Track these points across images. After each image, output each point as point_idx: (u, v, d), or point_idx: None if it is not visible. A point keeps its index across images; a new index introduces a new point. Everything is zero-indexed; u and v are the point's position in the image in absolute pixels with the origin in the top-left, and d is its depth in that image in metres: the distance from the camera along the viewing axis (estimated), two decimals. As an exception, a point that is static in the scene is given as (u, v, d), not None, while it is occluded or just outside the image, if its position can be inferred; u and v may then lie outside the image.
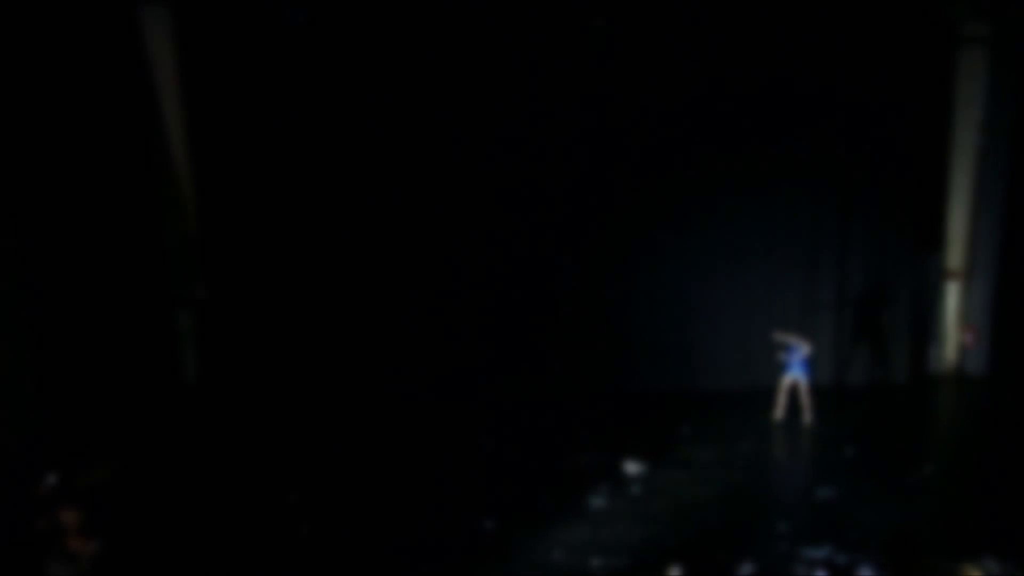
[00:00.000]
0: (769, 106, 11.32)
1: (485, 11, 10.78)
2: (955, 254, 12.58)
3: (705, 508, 8.56)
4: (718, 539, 7.90)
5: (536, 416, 11.23)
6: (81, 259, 9.93)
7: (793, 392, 10.78)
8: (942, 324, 12.72)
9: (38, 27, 9.27)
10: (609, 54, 10.87)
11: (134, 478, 9.06)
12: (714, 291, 11.89)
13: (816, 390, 11.03)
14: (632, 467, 9.45)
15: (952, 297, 12.67)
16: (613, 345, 11.94)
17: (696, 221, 11.74)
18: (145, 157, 11.09)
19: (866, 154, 11.61)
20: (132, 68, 10.66)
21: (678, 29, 11.11)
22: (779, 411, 10.83)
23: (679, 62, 11.19)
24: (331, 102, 11.02)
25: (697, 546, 7.77)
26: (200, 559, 7.73)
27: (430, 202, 11.40)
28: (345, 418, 11.29)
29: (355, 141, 11.17)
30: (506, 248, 11.57)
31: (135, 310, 10.74)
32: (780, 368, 10.78)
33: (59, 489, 7.55)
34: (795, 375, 10.69)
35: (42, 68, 9.33)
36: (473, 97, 11.15)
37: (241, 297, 11.45)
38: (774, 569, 6.99)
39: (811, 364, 10.75)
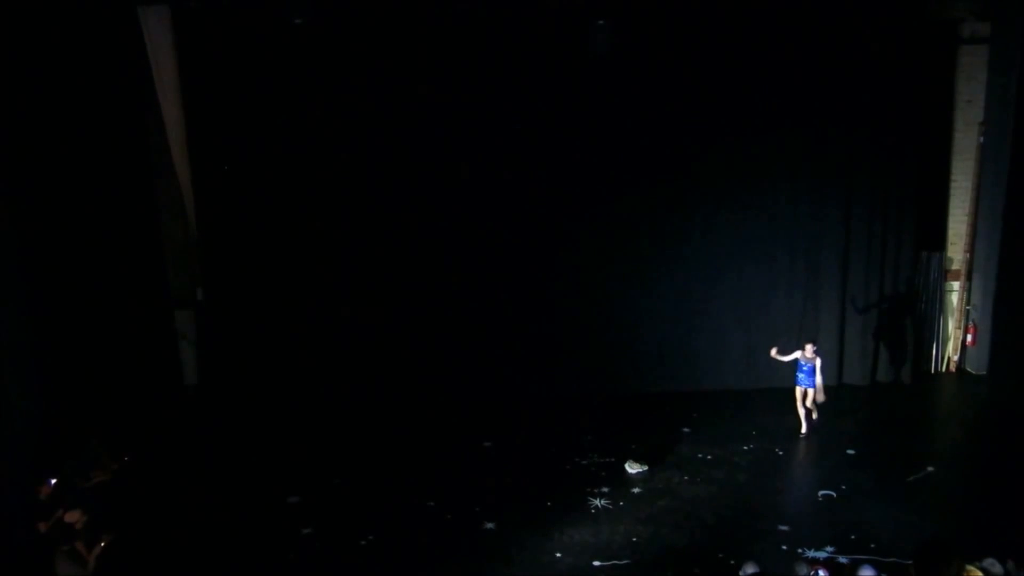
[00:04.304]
0: (769, 107, 11.31)
1: (486, 11, 10.76)
2: (955, 254, 12.60)
3: (706, 508, 8.56)
4: (719, 539, 7.90)
5: (537, 417, 11.22)
6: (81, 260, 9.93)
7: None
8: (943, 323, 12.74)
9: (38, 27, 9.26)
10: (610, 54, 10.85)
11: (135, 479, 9.06)
12: (716, 292, 11.87)
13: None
14: (633, 468, 9.46)
15: (953, 296, 12.70)
16: (614, 346, 11.91)
17: (698, 222, 11.72)
18: (145, 157, 11.08)
19: (867, 155, 11.60)
20: (132, 67, 10.65)
21: (679, 31, 11.09)
22: (803, 425, 10.43)
23: (680, 64, 11.17)
24: (331, 103, 10.99)
25: (698, 546, 7.79)
26: (201, 559, 7.74)
27: (432, 203, 11.37)
28: (346, 418, 11.28)
29: (355, 141, 11.14)
30: (508, 249, 11.55)
31: (135, 311, 10.73)
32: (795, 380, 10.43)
33: (61, 490, 7.56)
34: (804, 385, 10.32)
35: (42, 68, 9.33)
36: (474, 98, 11.12)
37: (241, 298, 11.43)
38: (775, 569, 6.98)
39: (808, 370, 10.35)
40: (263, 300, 11.41)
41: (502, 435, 10.60)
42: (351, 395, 11.56)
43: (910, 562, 4.62)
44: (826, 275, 11.92)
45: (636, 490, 9.02)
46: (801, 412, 10.38)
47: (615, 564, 7.50)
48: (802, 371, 10.27)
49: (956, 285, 12.67)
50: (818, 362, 10.18)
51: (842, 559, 7.37)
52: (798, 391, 10.37)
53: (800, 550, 7.59)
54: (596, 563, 7.53)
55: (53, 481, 7.84)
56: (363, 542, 8.00)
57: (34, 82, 9.18)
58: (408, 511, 8.62)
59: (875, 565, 6.62)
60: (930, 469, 9.35)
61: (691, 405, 11.44)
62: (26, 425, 8.44)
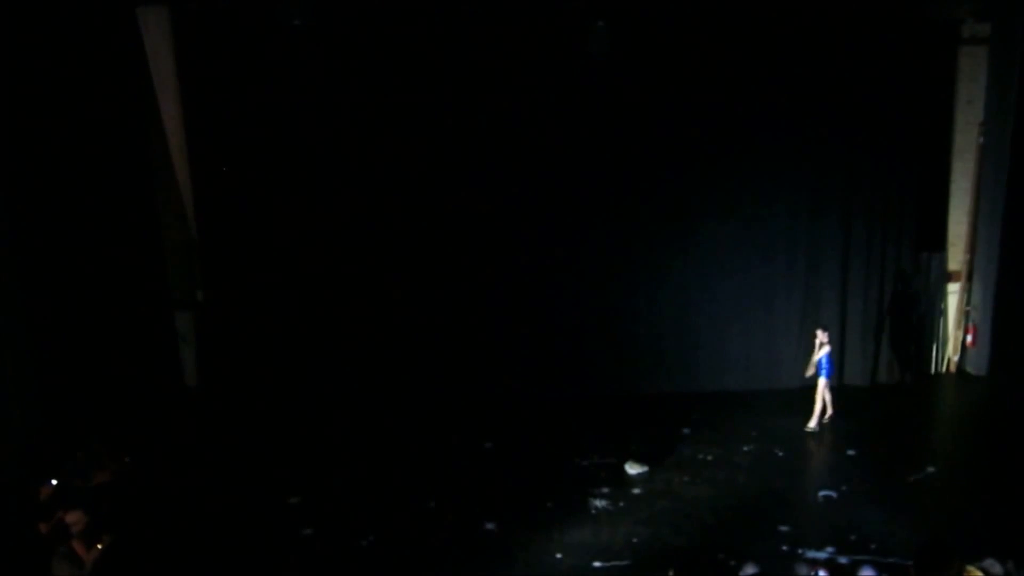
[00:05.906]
0: (770, 108, 11.31)
1: (486, 12, 10.76)
2: (956, 255, 12.60)
3: (706, 509, 8.56)
4: (719, 540, 7.89)
5: (538, 418, 11.21)
6: (81, 261, 9.92)
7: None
8: (943, 324, 12.73)
9: (37, 27, 9.26)
10: (610, 55, 10.84)
11: (136, 480, 9.05)
12: (717, 292, 11.87)
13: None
14: (633, 468, 9.45)
15: (953, 297, 12.69)
16: (614, 347, 11.92)
17: (698, 223, 11.72)
18: (144, 158, 11.08)
19: (867, 155, 11.61)
20: (131, 68, 10.64)
21: (679, 32, 11.10)
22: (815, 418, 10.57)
23: (679, 65, 11.17)
24: (330, 103, 10.99)
25: (698, 547, 7.78)
26: (201, 560, 7.73)
27: (432, 204, 11.37)
28: (346, 419, 11.28)
29: (355, 142, 11.15)
30: (508, 250, 11.56)
31: (135, 312, 10.72)
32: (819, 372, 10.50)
33: (61, 491, 7.55)
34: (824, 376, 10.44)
35: (41, 68, 9.32)
36: (474, 98, 11.12)
37: (240, 299, 11.43)
38: (775, 570, 6.98)
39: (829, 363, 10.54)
40: (263, 300, 11.41)
41: (503, 436, 10.59)
42: (351, 395, 11.55)
43: (910, 562, 4.62)
44: (826, 275, 11.91)
45: (636, 491, 9.01)
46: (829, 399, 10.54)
47: (615, 565, 7.50)
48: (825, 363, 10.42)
49: (956, 286, 12.66)
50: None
51: (842, 559, 7.37)
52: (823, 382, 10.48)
53: (800, 551, 7.59)
54: (596, 564, 7.52)
55: (54, 482, 7.82)
56: (363, 542, 8.00)
57: (34, 83, 9.17)
58: (408, 511, 8.61)
59: (875, 565, 6.63)
60: (930, 469, 9.35)
61: (691, 406, 11.43)
62: (27, 426, 8.45)
